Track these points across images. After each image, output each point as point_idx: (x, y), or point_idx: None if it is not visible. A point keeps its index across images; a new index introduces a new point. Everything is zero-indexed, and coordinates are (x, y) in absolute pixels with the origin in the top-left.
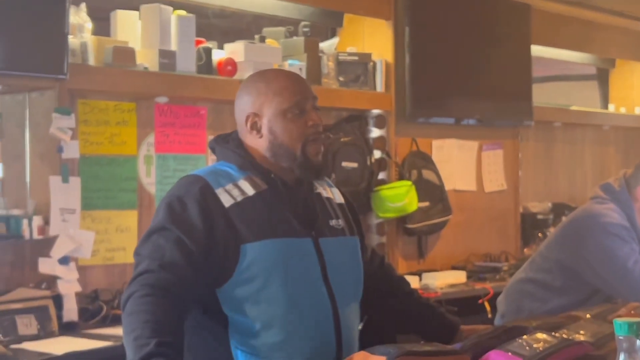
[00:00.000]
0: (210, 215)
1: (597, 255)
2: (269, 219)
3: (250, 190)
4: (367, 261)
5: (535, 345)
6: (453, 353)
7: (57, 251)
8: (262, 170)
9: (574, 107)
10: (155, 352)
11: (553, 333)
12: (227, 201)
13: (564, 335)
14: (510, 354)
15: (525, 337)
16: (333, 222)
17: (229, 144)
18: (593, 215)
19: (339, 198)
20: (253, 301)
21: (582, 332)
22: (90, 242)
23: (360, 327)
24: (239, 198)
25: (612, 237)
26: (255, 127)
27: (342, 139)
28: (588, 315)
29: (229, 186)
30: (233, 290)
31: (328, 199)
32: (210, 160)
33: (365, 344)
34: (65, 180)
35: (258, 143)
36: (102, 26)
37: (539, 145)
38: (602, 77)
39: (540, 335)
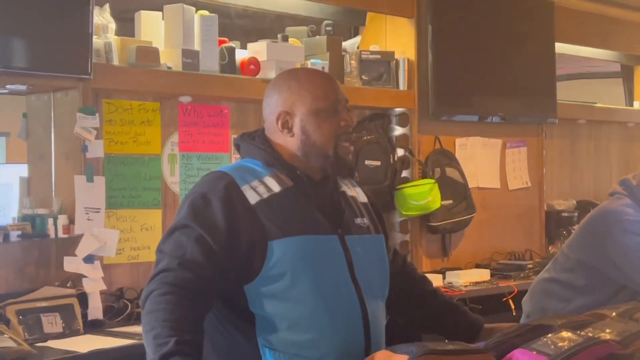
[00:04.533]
0: (234, 213)
1: (619, 253)
2: (295, 216)
3: (276, 187)
4: (390, 261)
5: (560, 344)
6: (477, 352)
7: (82, 250)
8: (288, 166)
9: (598, 104)
10: (174, 350)
11: (578, 332)
12: (252, 198)
13: (590, 334)
14: (534, 352)
15: (550, 335)
16: (358, 220)
17: (254, 141)
18: (610, 212)
19: (362, 197)
20: (281, 298)
21: (607, 330)
22: (115, 240)
23: (385, 318)
24: (265, 195)
25: (630, 234)
26: (287, 126)
27: (365, 138)
28: (614, 314)
29: (255, 183)
30: (261, 288)
31: (352, 197)
32: (234, 159)
33: (388, 342)
34: (90, 179)
35: (288, 142)
36: (126, 27)
37: (564, 142)
38: (627, 74)
39: (565, 334)
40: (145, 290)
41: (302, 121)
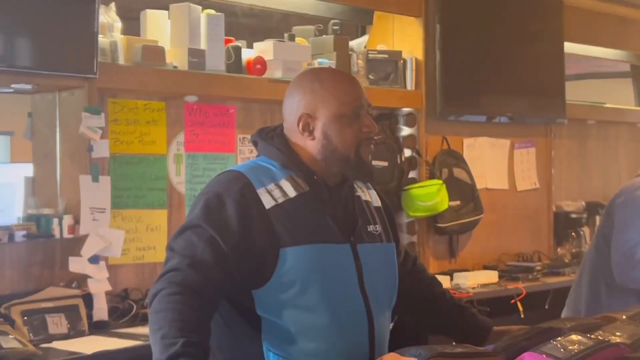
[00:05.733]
0: (248, 216)
1: (619, 222)
2: (309, 223)
3: (291, 192)
4: (400, 262)
5: (570, 347)
6: (486, 355)
7: (88, 250)
8: (305, 170)
9: (608, 105)
10: (182, 352)
11: (588, 334)
12: (268, 202)
13: (600, 337)
14: (544, 356)
15: (559, 338)
16: (371, 228)
17: (273, 140)
18: (629, 186)
19: (376, 201)
20: (289, 306)
21: (618, 333)
22: (120, 241)
23: (390, 327)
24: (280, 199)
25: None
26: (308, 129)
27: None
28: (624, 316)
29: (271, 186)
30: (270, 294)
31: (366, 202)
32: (240, 159)
33: (396, 345)
34: (95, 179)
35: (308, 144)
36: (132, 26)
37: (573, 143)
38: (637, 74)
39: (575, 337)
40: (153, 289)
41: (325, 125)
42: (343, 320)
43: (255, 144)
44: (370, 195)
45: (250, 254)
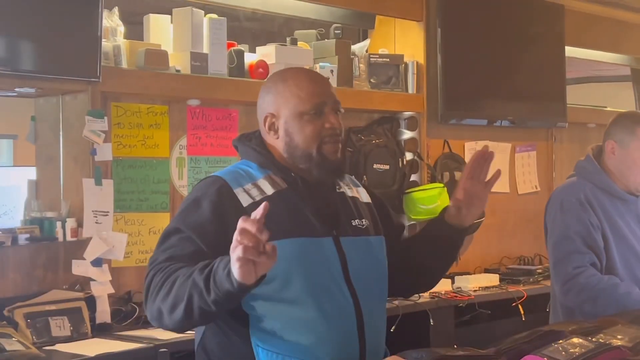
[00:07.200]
0: (225, 214)
1: (551, 228)
2: (288, 219)
3: (269, 190)
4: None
5: (571, 350)
6: (487, 357)
7: (90, 253)
8: (282, 169)
9: (608, 108)
10: (207, 264)
11: (589, 338)
12: (245, 201)
13: (601, 340)
14: (545, 359)
15: (561, 341)
16: (356, 222)
17: (250, 142)
18: (553, 194)
19: (365, 197)
20: (274, 300)
21: (619, 336)
22: (123, 244)
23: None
24: (258, 197)
25: (567, 213)
26: (273, 128)
27: (373, 141)
28: (625, 320)
29: (248, 186)
30: (254, 290)
31: (353, 198)
32: None
33: (396, 350)
34: (98, 182)
35: (276, 143)
36: (135, 30)
37: (574, 146)
38: (637, 78)
39: (577, 340)
40: (145, 284)
41: (286, 123)
42: (328, 312)
43: (236, 148)
44: (358, 192)
45: (229, 250)
